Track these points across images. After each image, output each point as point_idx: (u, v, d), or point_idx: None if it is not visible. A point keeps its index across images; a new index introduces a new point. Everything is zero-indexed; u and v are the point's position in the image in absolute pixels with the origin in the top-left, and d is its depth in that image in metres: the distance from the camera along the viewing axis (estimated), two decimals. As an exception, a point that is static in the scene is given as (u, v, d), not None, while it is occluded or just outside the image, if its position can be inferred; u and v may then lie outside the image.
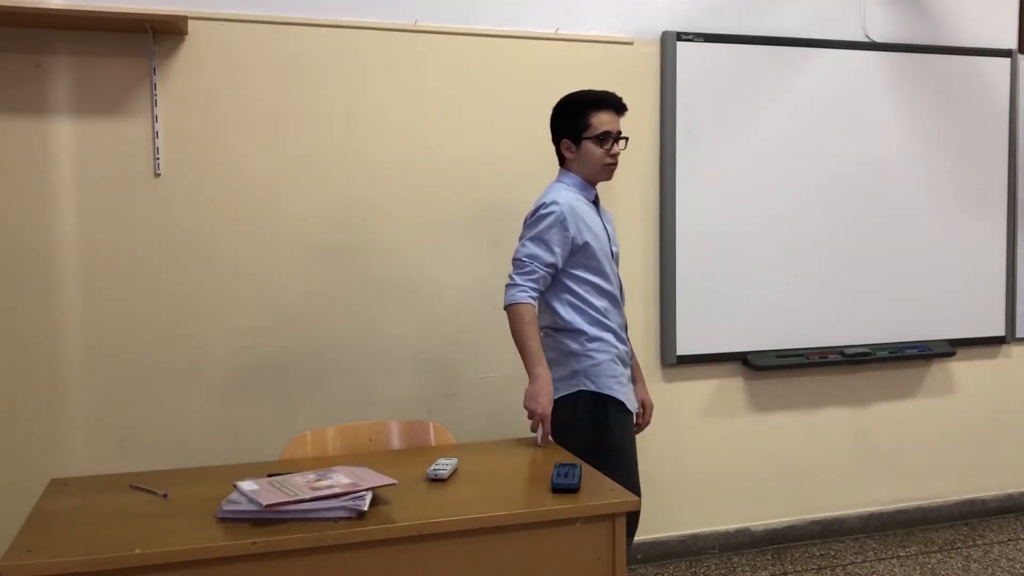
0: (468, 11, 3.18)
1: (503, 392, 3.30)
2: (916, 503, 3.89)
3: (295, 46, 3.00)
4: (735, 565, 3.50)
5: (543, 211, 2.51)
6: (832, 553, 3.63)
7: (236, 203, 2.98)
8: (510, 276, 2.52)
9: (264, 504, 1.78)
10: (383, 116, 3.11)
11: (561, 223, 2.48)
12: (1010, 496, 4.04)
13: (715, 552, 3.61)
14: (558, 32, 3.28)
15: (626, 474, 2.51)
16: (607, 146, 2.55)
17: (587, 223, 2.53)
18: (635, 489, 2.56)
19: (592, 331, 2.54)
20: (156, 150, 2.90)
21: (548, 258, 2.49)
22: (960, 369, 3.91)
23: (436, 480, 2.09)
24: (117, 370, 2.91)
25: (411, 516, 1.84)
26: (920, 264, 3.75)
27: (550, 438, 2.40)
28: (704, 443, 3.56)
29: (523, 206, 3.26)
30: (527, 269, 2.48)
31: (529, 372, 2.44)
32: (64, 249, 2.85)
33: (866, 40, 3.65)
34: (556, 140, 2.65)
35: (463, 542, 1.85)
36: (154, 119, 2.89)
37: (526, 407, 2.42)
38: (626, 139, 2.60)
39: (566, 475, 2.04)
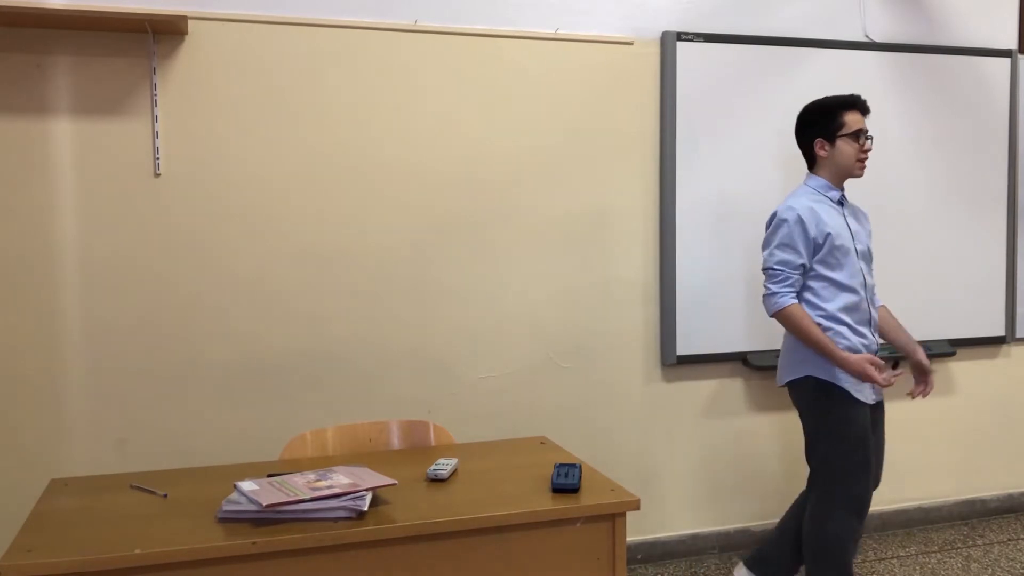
0: (468, 11, 3.18)
1: (503, 392, 3.30)
2: (916, 503, 3.89)
3: (295, 46, 3.00)
4: (735, 565, 3.50)
5: (782, 217, 2.75)
6: (832, 553, 3.62)
7: (236, 203, 2.98)
8: (766, 286, 2.77)
9: (264, 504, 1.78)
10: (383, 116, 3.11)
11: (801, 226, 2.71)
12: (1010, 496, 4.04)
13: (715, 552, 3.61)
14: (558, 32, 3.28)
15: (850, 458, 2.74)
16: (860, 143, 2.76)
17: (826, 222, 2.73)
18: (857, 472, 2.73)
19: (824, 324, 2.74)
20: (156, 150, 2.90)
21: (797, 261, 2.73)
22: (960, 369, 3.91)
23: (436, 480, 2.09)
24: (117, 370, 2.91)
25: (411, 516, 1.84)
26: (920, 264, 3.75)
27: (891, 379, 2.68)
28: (704, 443, 3.57)
29: (523, 206, 3.28)
30: (781, 276, 2.73)
31: (835, 361, 2.69)
32: (64, 249, 2.85)
33: (866, 40, 3.65)
34: (808, 141, 2.85)
35: (463, 542, 1.85)
36: (154, 119, 2.90)
37: (862, 379, 2.69)
38: (871, 138, 2.81)
39: (566, 475, 2.04)
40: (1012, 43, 3.86)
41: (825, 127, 2.80)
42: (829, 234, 2.71)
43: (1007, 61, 3.82)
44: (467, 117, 3.20)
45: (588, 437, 3.41)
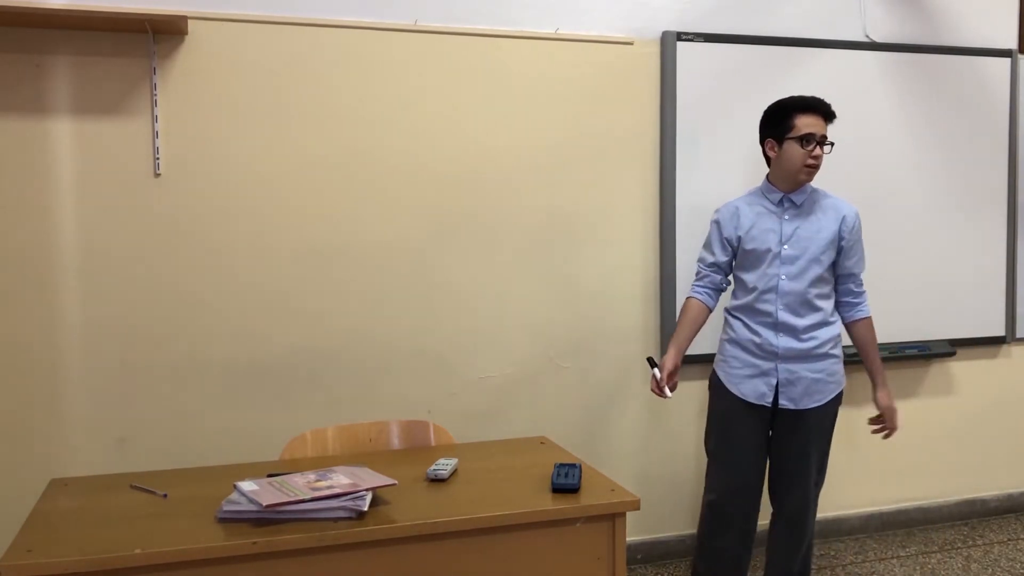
0: (468, 11, 3.18)
1: (503, 392, 3.30)
2: (916, 503, 3.89)
3: (295, 46, 3.00)
4: None
5: (712, 217, 2.89)
6: (832, 553, 3.63)
7: (236, 203, 2.98)
8: None
9: (264, 504, 1.78)
10: (383, 116, 3.11)
11: (717, 226, 2.84)
12: (1010, 496, 4.04)
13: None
14: (558, 32, 3.28)
15: (715, 450, 2.88)
16: (809, 147, 2.68)
17: (747, 224, 2.77)
18: (719, 467, 2.85)
19: (727, 317, 2.88)
20: (156, 150, 2.90)
21: (709, 259, 2.87)
22: (960, 369, 3.91)
23: (436, 480, 2.09)
24: (117, 370, 2.91)
25: (411, 516, 1.84)
26: (920, 264, 3.75)
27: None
28: (704, 443, 3.56)
29: (523, 205, 3.28)
30: (696, 271, 2.91)
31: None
32: (64, 249, 2.85)
33: (866, 40, 3.65)
34: (761, 141, 2.81)
35: (463, 542, 1.85)
36: (154, 119, 2.90)
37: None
38: (831, 144, 2.75)
39: (566, 475, 2.04)
40: (1012, 43, 3.86)
41: (776, 128, 2.74)
42: (740, 236, 2.78)
43: (1007, 61, 3.82)
44: (467, 117, 3.19)
45: (588, 437, 3.41)
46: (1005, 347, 3.97)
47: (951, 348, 3.79)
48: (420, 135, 3.15)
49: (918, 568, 3.48)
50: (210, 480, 2.10)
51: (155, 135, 2.90)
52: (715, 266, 2.84)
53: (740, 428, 2.79)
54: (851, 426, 3.76)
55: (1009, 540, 3.76)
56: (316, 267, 3.07)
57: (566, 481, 2.00)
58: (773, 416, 2.80)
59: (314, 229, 3.06)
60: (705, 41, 3.41)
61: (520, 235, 3.28)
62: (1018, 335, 3.95)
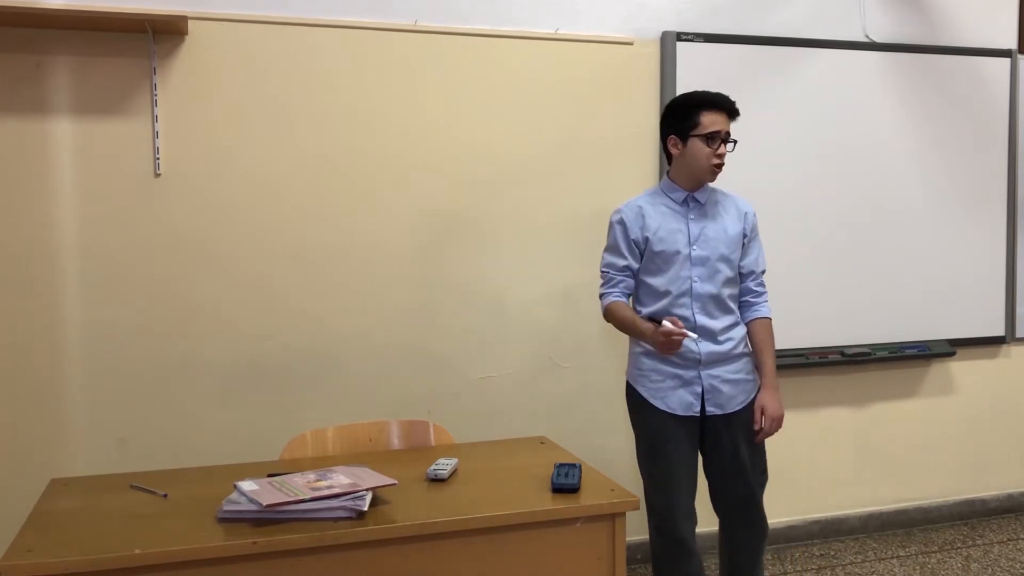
0: (468, 11, 3.18)
1: (503, 392, 3.30)
2: (916, 503, 3.89)
3: (295, 46, 3.00)
4: None
5: (611, 219, 2.68)
6: (832, 553, 3.63)
7: (236, 203, 2.98)
8: (600, 289, 2.69)
9: (264, 504, 1.78)
10: (382, 116, 3.11)
11: (623, 227, 2.63)
12: (1010, 496, 4.04)
13: (715, 552, 3.60)
14: (558, 32, 3.28)
15: (651, 470, 2.66)
16: (714, 146, 2.56)
17: (653, 225, 2.59)
18: (659, 488, 2.63)
19: None
20: (156, 150, 2.90)
21: (620, 263, 2.63)
22: (960, 369, 3.91)
23: (436, 480, 2.09)
24: (117, 370, 2.91)
25: (411, 516, 1.84)
26: (920, 264, 3.75)
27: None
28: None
29: (522, 206, 3.28)
30: (606, 279, 2.66)
31: (638, 335, 2.61)
32: (64, 249, 2.85)
33: (866, 40, 3.65)
34: (664, 137, 2.65)
35: (463, 542, 1.85)
36: (154, 119, 2.90)
37: (660, 350, 2.52)
38: (734, 142, 2.62)
39: (566, 475, 2.04)
40: (1012, 43, 3.86)
41: (679, 124, 2.59)
42: (648, 238, 2.59)
43: (1007, 61, 3.82)
44: (467, 117, 3.19)
45: (588, 437, 3.41)
46: (1005, 347, 3.97)
47: (951, 348, 3.79)
48: (420, 135, 3.15)
49: (918, 568, 3.48)
50: (210, 480, 2.10)
51: (155, 135, 2.90)
52: (628, 270, 2.63)
53: (674, 443, 2.61)
54: (851, 426, 3.76)
55: (1009, 540, 3.76)
56: (316, 267, 3.07)
57: (566, 481, 2.01)
58: (702, 424, 2.64)
59: (314, 229, 3.06)
60: (705, 41, 3.41)
61: (520, 235, 3.28)
62: (1018, 335, 3.95)
